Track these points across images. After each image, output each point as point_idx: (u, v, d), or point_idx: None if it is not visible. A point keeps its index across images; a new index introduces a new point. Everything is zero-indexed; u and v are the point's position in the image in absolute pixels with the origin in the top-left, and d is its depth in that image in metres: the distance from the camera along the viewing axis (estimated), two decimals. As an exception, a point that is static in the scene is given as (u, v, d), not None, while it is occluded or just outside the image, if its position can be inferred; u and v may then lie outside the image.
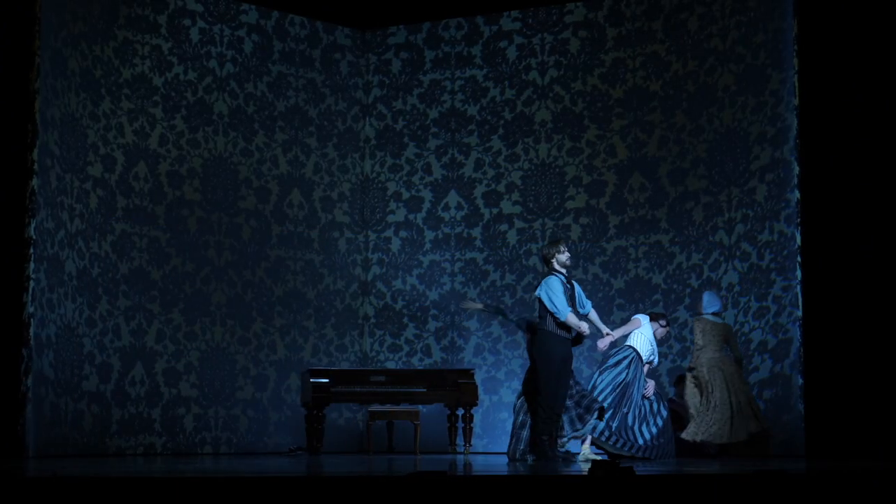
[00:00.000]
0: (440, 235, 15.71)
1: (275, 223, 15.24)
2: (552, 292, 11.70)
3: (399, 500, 6.99)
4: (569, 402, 12.04)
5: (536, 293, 11.84)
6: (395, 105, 16.02)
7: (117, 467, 9.76)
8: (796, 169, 12.94)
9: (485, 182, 15.60)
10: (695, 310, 13.05)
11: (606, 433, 12.24)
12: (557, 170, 15.25)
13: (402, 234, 15.85)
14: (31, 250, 12.21)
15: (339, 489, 7.12)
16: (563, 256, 11.90)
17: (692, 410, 12.62)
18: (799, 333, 12.78)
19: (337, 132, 15.88)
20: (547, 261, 11.94)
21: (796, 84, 12.91)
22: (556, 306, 11.65)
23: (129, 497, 6.92)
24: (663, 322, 12.84)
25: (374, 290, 15.87)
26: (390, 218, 15.91)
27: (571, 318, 11.65)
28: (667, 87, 14.59)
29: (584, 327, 11.73)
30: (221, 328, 14.65)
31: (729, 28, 14.03)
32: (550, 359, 11.72)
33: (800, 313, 12.79)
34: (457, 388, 13.92)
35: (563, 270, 11.91)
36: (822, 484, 7.50)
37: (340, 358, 15.50)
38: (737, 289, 13.67)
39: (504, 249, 15.41)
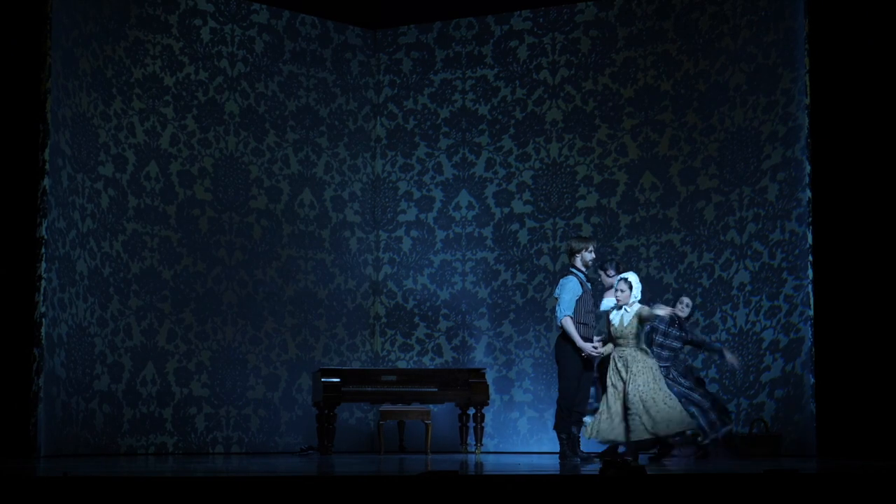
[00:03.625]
0: (451, 235, 15.70)
1: (286, 223, 15.25)
2: (564, 293, 11.74)
3: (410, 500, 6.98)
4: (706, 405, 12.25)
5: (556, 293, 11.90)
6: (406, 104, 16.02)
7: (128, 467, 9.78)
8: (808, 168, 12.93)
9: (496, 181, 15.60)
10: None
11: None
12: (568, 169, 15.24)
13: (414, 233, 15.85)
14: (43, 250, 12.22)
15: (350, 489, 7.12)
16: (589, 256, 11.93)
17: None
18: (810, 333, 12.76)
19: (348, 132, 15.89)
20: (572, 254, 11.96)
21: (808, 83, 12.90)
22: (559, 306, 11.70)
23: (141, 497, 6.92)
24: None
25: (385, 290, 15.87)
26: (401, 217, 15.91)
27: (568, 324, 11.67)
28: (678, 87, 14.57)
29: (579, 342, 11.67)
30: (232, 328, 14.66)
31: (740, 27, 14.01)
32: (569, 358, 11.75)
33: (811, 312, 12.77)
34: (468, 388, 13.92)
35: (584, 269, 11.95)
36: (833, 483, 7.49)
37: (351, 357, 15.50)
38: (748, 288, 13.66)
39: (515, 249, 15.40)
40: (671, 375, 12.54)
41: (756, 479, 7.38)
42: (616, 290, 11.69)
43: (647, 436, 11.42)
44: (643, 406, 11.38)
